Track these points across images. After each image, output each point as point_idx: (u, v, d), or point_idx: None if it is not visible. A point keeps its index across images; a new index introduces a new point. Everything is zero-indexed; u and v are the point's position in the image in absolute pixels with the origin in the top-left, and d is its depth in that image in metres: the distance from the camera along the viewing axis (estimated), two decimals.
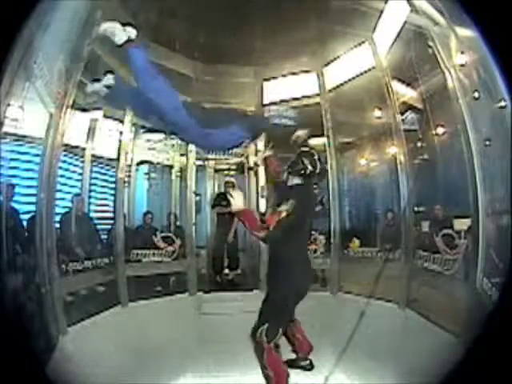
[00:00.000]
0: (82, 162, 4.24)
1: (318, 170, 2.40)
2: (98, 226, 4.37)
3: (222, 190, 5.48)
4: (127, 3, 3.90)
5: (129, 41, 2.00)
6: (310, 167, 2.37)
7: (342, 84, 4.74)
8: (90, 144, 4.24)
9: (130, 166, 4.73)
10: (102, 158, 4.51)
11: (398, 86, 4.18)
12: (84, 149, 4.20)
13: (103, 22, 1.99)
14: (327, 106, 4.86)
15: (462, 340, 2.47)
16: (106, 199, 4.50)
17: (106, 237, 4.45)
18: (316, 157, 2.42)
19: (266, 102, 5.09)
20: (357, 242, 4.69)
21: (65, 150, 3.65)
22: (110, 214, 4.37)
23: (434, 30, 3.35)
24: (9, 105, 2.54)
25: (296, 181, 2.43)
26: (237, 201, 2.22)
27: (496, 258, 2.68)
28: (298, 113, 5.58)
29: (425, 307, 3.49)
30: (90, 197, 4.38)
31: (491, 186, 2.94)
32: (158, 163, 5.42)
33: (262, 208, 4.99)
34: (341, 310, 4.10)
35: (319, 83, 4.95)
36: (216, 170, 5.84)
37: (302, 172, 2.39)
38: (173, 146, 5.33)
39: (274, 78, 5.06)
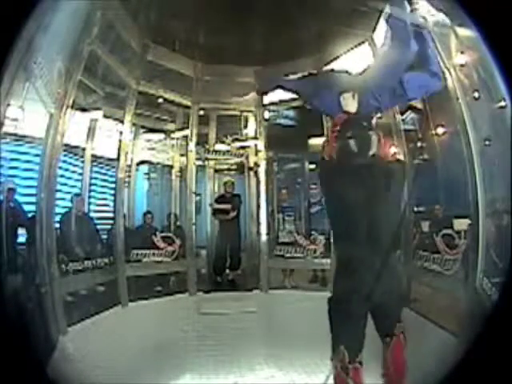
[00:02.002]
0: (82, 162, 4.25)
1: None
2: (98, 226, 4.37)
3: (222, 190, 5.47)
4: (127, 3, 3.90)
5: None
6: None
7: None
8: (90, 144, 4.25)
9: (129, 166, 4.73)
10: (102, 157, 4.52)
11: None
12: (84, 149, 4.21)
13: None
14: None
15: (462, 340, 2.47)
16: (105, 199, 4.50)
17: (106, 237, 4.46)
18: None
19: (265, 102, 5.08)
20: None
21: (65, 150, 3.65)
22: (110, 214, 4.36)
23: (433, 30, 3.35)
24: (9, 105, 2.54)
25: None
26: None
27: (496, 258, 2.68)
28: (297, 113, 5.59)
29: (425, 307, 3.48)
30: (89, 197, 4.39)
31: (491, 185, 2.94)
32: (158, 163, 5.43)
33: (262, 210, 4.99)
34: None
35: None
36: (216, 170, 5.83)
37: None
38: (173, 146, 5.33)
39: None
